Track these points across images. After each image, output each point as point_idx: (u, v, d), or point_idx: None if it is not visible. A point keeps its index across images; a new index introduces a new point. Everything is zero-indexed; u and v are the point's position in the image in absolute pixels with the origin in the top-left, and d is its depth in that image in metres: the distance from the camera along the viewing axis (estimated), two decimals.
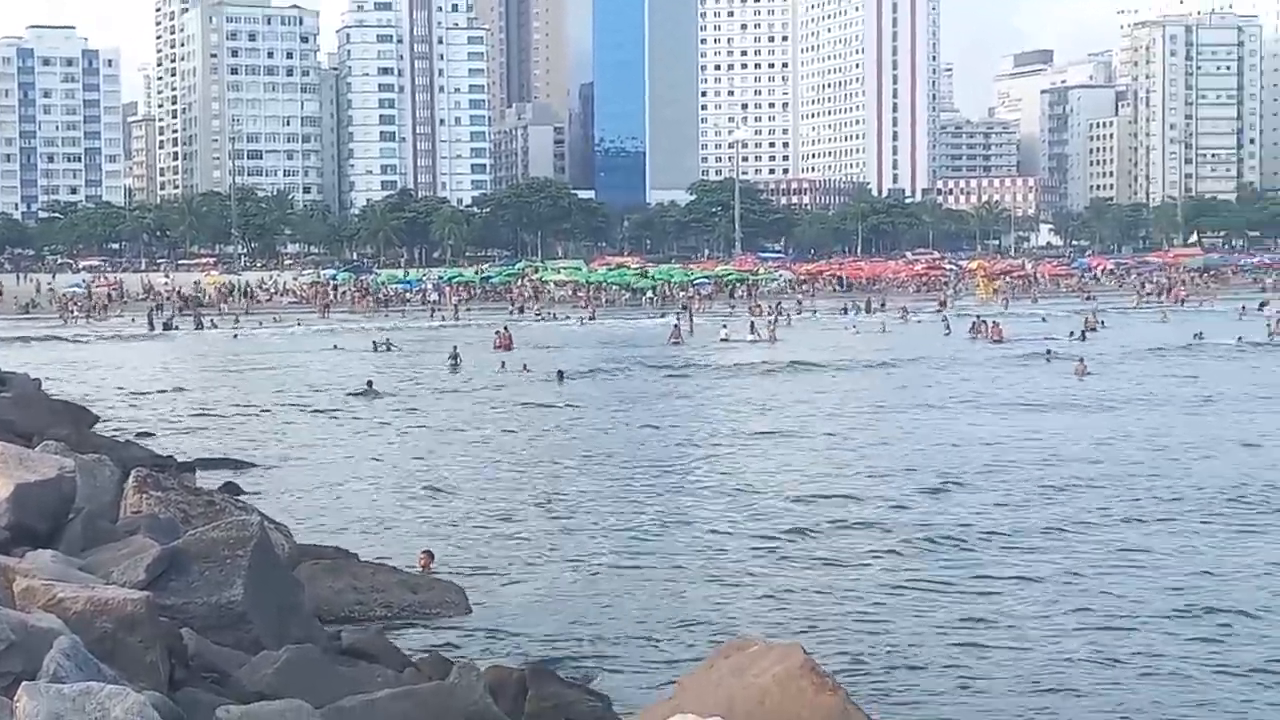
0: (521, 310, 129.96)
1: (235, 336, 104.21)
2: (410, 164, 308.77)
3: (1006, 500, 35.19)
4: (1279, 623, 23.55)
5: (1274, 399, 58.45)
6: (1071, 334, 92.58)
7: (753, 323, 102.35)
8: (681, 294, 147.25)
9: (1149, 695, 19.90)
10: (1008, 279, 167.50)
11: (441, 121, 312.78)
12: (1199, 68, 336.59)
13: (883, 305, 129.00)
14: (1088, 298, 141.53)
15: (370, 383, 62.70)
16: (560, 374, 68.61)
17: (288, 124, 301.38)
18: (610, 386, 68.07)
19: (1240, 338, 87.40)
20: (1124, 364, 75.43)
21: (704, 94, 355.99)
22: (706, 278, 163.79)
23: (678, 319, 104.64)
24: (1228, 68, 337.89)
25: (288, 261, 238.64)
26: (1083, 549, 29.34)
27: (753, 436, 49.03)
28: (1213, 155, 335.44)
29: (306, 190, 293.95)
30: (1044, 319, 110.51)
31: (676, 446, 46.76)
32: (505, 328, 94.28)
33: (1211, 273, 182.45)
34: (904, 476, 39.30)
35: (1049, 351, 78.72)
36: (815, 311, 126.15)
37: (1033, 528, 31.52)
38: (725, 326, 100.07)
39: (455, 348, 79.67)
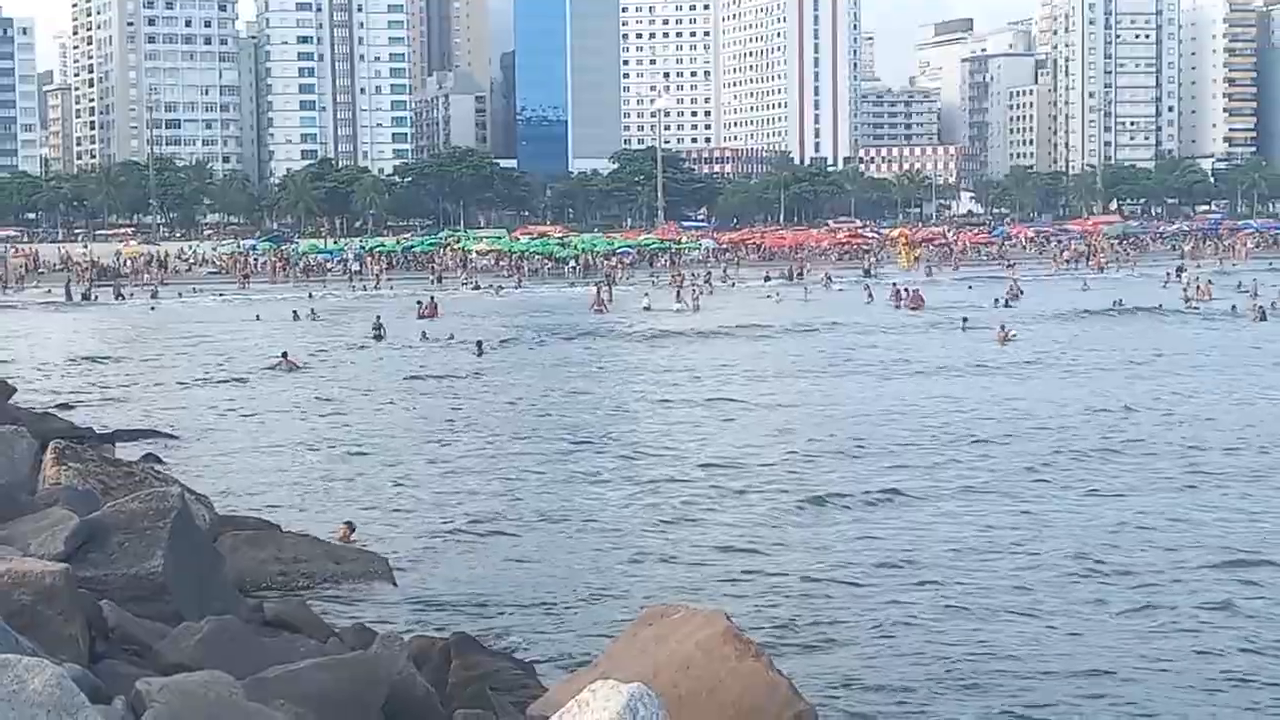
0: (439, 280, 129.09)
1: (153, 308, 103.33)
2: (331, 133, 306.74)
3: (927, 462, 35.60)
4: (1188, 581, 23.92)
5: (1187, 364, 59.40)
6: (996, 301, 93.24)
7: (678, 291, 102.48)
8: (604, 263, 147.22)
9: (1066, 649, 20.14)
10: (929, 247, 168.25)
11: (362, 90, 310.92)
12: (1118, 36, 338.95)
13: (801, 274, 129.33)
14: (1008, 265, 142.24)
15: (285, 354, 61.95)
16: (479, 344, 67.86)
17: (206, 93, 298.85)
18: (533, 355, 68.20)
19: (1161, 304, 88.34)
20: (1045, 329, 76.22)
21: (626, 62, 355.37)
22: (629, 247, 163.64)
23: (598, 287, 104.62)
24: (1146, 36, 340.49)
25: (207, 232, 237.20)
26: (999, 510, 29.79)
27: (675, 403, 49.25)
28: (1131, 124, 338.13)
29: (225, 160, 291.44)
30: (970, 286, 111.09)
31: (599, 414, 46.87)
32: (431, 297, 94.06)
33: (1130, 240, 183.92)
34: (825, 440, 39.61)
35: (965, 319, 79.20)
36: (733, 283, 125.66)
37: (951, 490, 31.91)
38: (648, 295, 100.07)
39: (379, 318, 79.06)
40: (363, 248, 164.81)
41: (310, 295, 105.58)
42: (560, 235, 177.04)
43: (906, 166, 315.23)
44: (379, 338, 74.83)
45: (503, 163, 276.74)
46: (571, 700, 8.81)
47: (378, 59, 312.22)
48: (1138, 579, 24.05)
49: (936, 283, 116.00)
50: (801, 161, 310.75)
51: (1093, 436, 39.28)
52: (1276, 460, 35.51)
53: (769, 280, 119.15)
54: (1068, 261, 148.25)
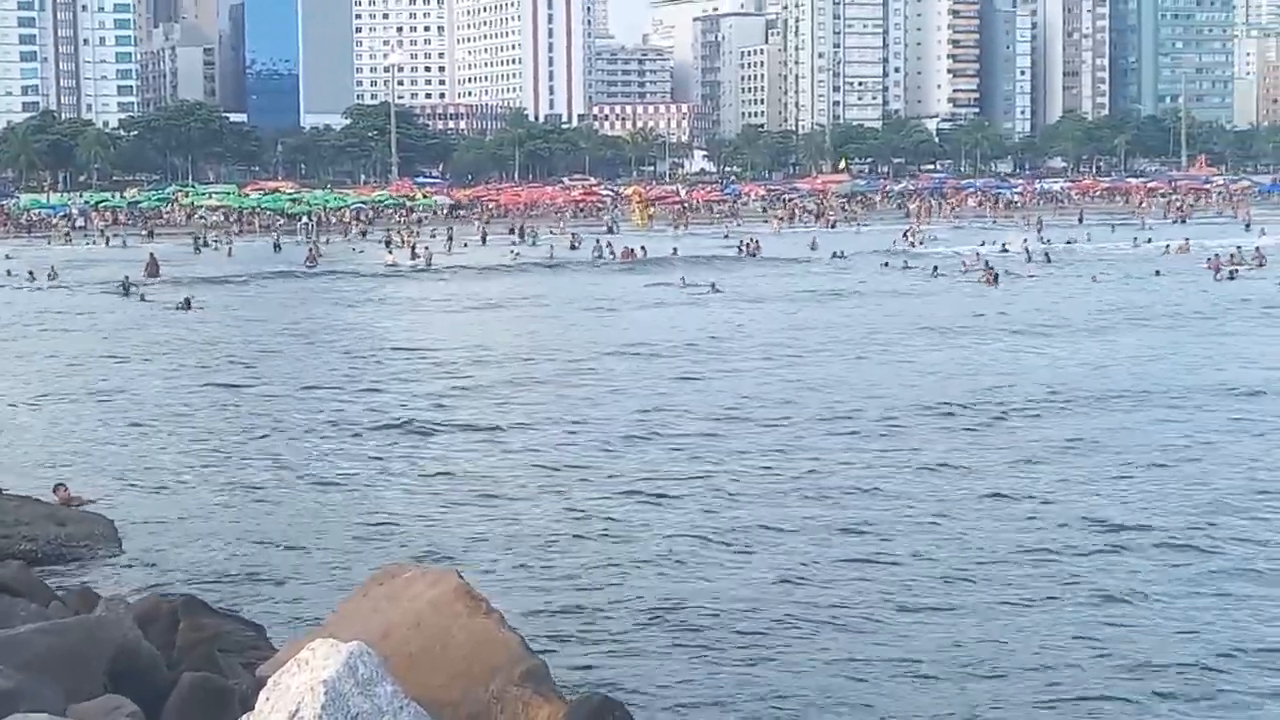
0: (152, 235, 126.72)
1: None
2: (53, 85, 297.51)
3: (642, 393, 39.10)
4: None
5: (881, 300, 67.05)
6: (740, 253, 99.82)
7: (413, 247, 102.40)
8: (337, 219, 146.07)
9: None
10: (663, 205, 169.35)
11: (85, 41, 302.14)
12: None
13: (520, 230, 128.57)
14: (737, 224, 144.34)
15: None
16: (187, 301, 67.34)
17: None
18: (248, 308, 69.03)
19: (886, 264, 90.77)
20: (760, 282, 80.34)
21: (358, 16, 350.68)
22: (363, 203, 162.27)
23: (311, 242, 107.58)
24: None
25: None
26: (687, 440, 32.39)
27: (396, 351, 50.37)
28: (860, 84, 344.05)
29: None
30: (726, 236, 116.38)
31: (320, 365, 47.07)
32: (151, 254, 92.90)
33: (859, 198, 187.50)
34: (552, 381, 41.31)
35: (682, 278, 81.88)
36: (466, 242, 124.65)
37: (662, 417, 34.79)
38: (391, 252, 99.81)
39: (127, 277, 78.28)
40: (87, 203, 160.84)
41: (6, 257, 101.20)
42: (292, 191, 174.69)
43: (640, 124, 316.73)
44: (126, 295, 74.33)
45: (232, 117, 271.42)
46: (292, 660, 8.79)
47: (101, 9, 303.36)
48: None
49: (663, 236, 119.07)
50: (536, 118, 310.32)
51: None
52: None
53: (516, 243, 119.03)
54: (780, 219, 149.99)
